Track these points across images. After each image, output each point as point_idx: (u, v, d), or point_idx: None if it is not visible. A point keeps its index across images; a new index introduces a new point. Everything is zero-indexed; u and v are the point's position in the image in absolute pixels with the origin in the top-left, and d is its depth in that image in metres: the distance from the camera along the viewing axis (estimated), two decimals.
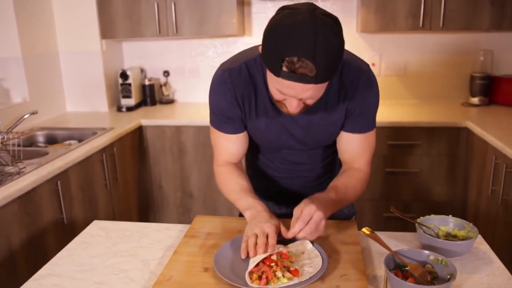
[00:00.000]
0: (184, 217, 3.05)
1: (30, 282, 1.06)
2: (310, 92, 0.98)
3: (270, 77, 1.02)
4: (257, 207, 1.15)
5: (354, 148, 1.26)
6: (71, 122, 2.91)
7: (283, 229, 1.08)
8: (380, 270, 1.07)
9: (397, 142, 2.68)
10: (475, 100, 3.02)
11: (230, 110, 1.22)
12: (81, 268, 1.11)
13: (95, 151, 2.32)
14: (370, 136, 1.25)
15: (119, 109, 3.18)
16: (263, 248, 1.01)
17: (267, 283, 0.94)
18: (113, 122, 2.85)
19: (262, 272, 0.95)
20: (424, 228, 1.17)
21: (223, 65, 1.22)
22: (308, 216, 1.05)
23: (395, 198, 2.79)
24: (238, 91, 1.19)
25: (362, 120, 1.22)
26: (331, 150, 1.36)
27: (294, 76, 0.94)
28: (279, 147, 1.30)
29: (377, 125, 1.25)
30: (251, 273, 0.96)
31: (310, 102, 1.05)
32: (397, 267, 1.02)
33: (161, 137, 2.90)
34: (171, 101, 3.42)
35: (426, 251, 1.03)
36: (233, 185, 1.25)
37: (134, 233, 1.29)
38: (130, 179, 2.77)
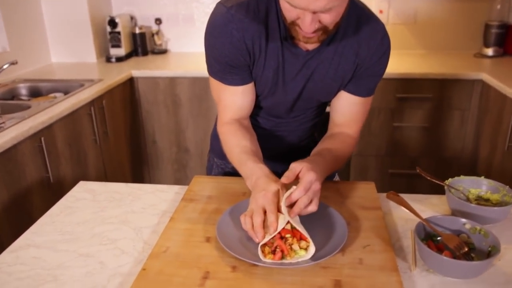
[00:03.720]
0: (180, 173, 2.92)
1: (5, 254, 0.92)
2: (324, 1, 0.82)
3: None
4: (256, 173, 0.95)
5: (352, 112, 1.15)
6: (56, 73, 2.70)
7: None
8: (406, 239, 0.94)
9: (406, 95, 2.51)
10: (489, 50, 2.83)
11: (236, 58, 1.02)
12: (64, 237, 0.97)
13: (82, 104, 2.14)
14: (369, 101, 1.16)
15: (108, 59, 2.96)
16: (262, 233, 0.83)
17: (282, 257, 0.80)
18: (101, 73, 2.65)
19: (276, 247, 0.81)
20: (453, 191, 1.04)
21: (226, 1, 1.01)
22: (309, 184, 0.88)
23: (401, 154, 2.66)
24: (247, 33, 0.99)
25: (369, 82, 1.11)
26: (319, 112, 1.26)
27: None
28: (277, 104, 1.16)
29: (384, 76, 1.16)
30: (263, 246, 0.82)
31: (326, 20, 0.88)
32: (428, 237, 0.89)
33: (153, 89, 2.71)
34: (164, 51, 3.20)
35: (462, 219, 0.89)
36: (235, 148, 1.06)
37: (125, 196, 1.15)
38: (121, 134, 2.61)
